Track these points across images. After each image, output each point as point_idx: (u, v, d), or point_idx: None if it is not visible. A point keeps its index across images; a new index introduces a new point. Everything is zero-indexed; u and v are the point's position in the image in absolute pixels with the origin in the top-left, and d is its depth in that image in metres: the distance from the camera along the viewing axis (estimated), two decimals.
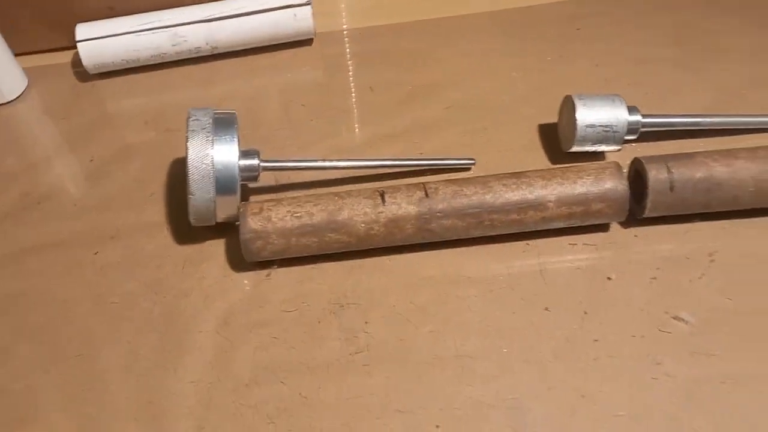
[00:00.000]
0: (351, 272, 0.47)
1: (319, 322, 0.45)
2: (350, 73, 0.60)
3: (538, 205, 0.44)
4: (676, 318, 0.43)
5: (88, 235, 0.51)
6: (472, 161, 0.51)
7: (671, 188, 0.44)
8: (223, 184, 0.44)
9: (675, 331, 0.43)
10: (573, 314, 0.44)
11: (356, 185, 0.51)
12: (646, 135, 0.52)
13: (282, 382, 0.42)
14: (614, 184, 0.44)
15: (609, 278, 0.45)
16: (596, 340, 0.43)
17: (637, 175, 0.46)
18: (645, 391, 0.40)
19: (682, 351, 0.42)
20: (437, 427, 0.40)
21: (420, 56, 0.60)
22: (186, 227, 0.48)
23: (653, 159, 0.45)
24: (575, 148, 0.49)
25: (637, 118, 0.49)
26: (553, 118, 0.53)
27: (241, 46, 0.60)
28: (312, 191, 0.51)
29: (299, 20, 0.58)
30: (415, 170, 0.52)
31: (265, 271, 0.47)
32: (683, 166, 0.44)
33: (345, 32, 0.64)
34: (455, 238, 0.46)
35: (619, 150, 0.50)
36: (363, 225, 0.44)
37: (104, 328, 0.45)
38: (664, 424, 0.39)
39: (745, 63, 0.57)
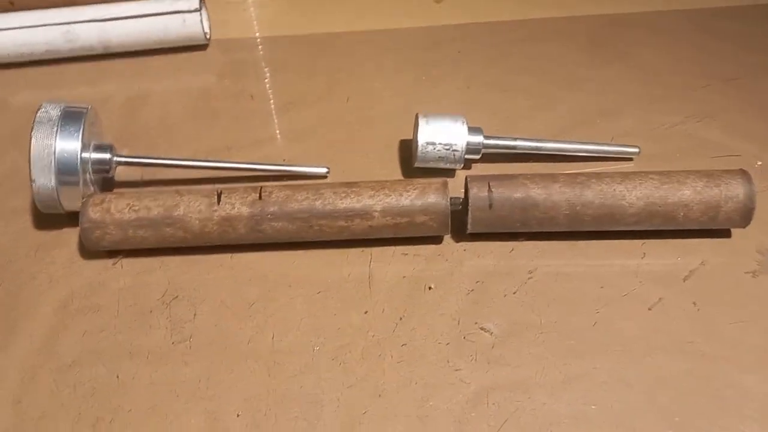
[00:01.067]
0: (192, 266, 0.49)
1: (150, 311, 0.47)
2: (237, 80, 0.62)
3: (364, 214, 0.47)
4: (482, 328, 0.45)
5: None
6: (326, 170, 0.54)
7: (490, 206, 0.47)
8: (64, 174, 0.46)
9: (478, 340, 0.45)
10: (389, 319, 0.46)
11: (215, 185, 0.54)
12: (497, 157, 0.54)
13: (103, 365, 0.45)
14: (437, 199, 0.47)
15: (430, 287, 0.48)
16: (404, 345, 0.45)
17: (465, 193, 0.49)
18: (438, 394, 0.43)
19: (481, 359, 0.44)
20: (238, 415, 0.42)
21: (304, 68, 0.63)
22: (46, 215, 0.51)
23: (478, 178, 0.48)
24: (418, 164, 0.52)
25: (479, 138, 0.51)
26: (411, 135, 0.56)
27: (132, 48, 0.62)
28: (164, 188, 0.53)
29: (188, 26, 0.61)
30: (270, 175, 0.54)
31: (112, 260, 0.50)
32: (503, 186, 0.47)
33: (243, 40, 0.66)
34: (287, 240, 0.48)
35: (464, 168, 0.53)
36: (198, 222, 0.47)
37: None
38: (447, 426, 0.41)
39: (596, 94, 0.60)
